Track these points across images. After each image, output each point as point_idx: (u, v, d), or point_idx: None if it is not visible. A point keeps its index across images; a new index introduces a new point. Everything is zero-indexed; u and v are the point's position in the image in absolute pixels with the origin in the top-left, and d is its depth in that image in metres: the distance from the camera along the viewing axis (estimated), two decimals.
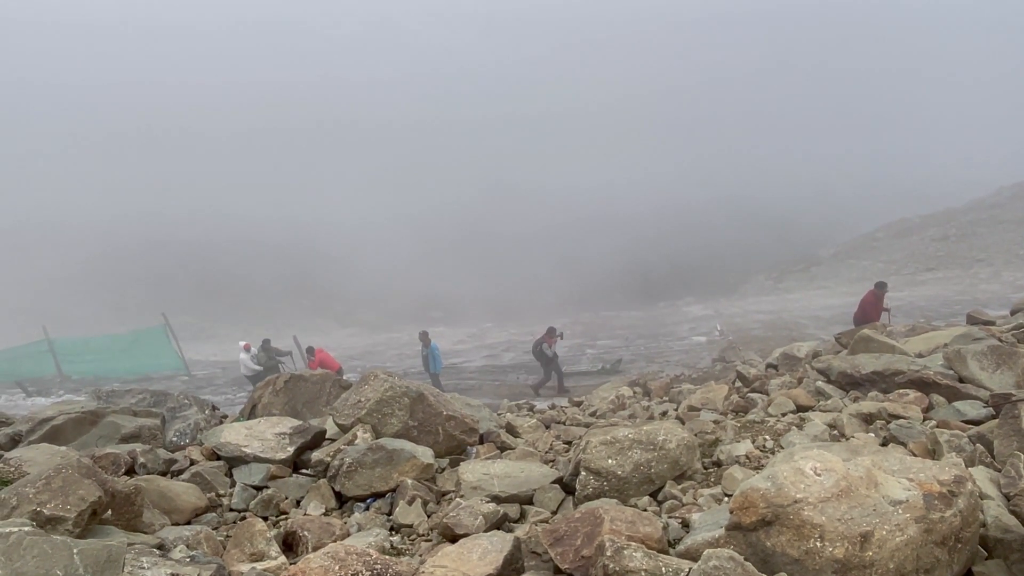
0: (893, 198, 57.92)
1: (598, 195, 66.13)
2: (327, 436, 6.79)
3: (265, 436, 6.38)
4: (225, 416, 10.91)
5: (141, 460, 6.33)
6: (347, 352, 26.33)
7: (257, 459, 6.12)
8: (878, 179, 66.92)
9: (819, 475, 2.95)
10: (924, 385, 5.48)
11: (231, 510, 5.59)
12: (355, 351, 26.76)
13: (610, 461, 4.60)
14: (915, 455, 4.41)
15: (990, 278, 30.81)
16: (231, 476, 6.13)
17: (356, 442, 6.01)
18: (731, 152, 78.13)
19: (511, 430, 7.18)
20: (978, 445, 4.20)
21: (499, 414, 9.44)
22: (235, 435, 6.40)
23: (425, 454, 5.78)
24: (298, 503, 5.66)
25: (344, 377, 11.78)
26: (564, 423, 7.67)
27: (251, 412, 10.46)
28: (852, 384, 6.07)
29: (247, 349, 18.26)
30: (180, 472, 6.22)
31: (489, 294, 47.39)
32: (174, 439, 9.27)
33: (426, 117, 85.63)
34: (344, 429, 6.34)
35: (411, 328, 31.92)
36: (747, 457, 4.85)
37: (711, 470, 4.83)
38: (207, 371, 23.76)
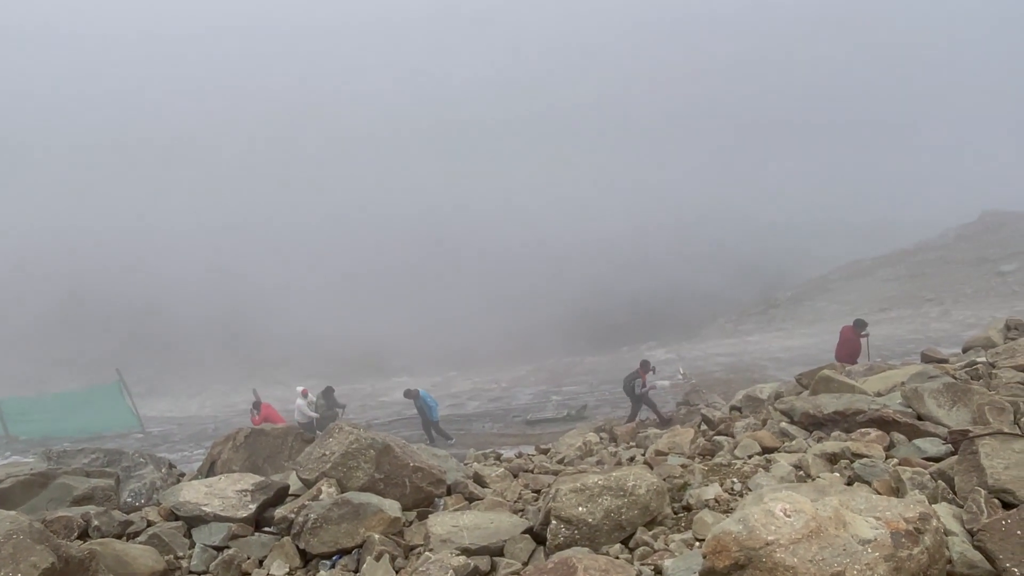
0: (846, 241, 59.53)
1: (549, 242, 66.42)
2: (291, 492, 6.64)
3: (226, 493, 6.20)
4: (183, 474, 10.61)
5: (95, 523, 6.10)
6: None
7: (217, 518, 5.94)
8: (832, 222, 68.85)
9: (789, 516, 2.98)
10: (884, 424, 5.58)
11: (191, 572, 5.40)
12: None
13: (580, 509, 4.57)
14: (880, 493, 4.48)
15: (940, 317, 31.69)
16: (190, 537, 5.94)
17: (321, 497, 5.88)
18: (689, 195, 79.73)
19: (479, 480, 7.09)
20: (939, 482, 4.28)
21: (465, 464, 9.32)
22: (194, 493, 6.21)
23: (392, 507, 5.68)
24: (261, 563, 5.49)
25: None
26: (532, 471, 7.60)
27: (210, 469, 10.19)
28: (815, 424, 6.15)
29: (304, 395, 17.78)
30: (136, 534, 6.01)
31: (448, 341, 47.09)
32: (129, 499, 8.96)
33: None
34: (308, 484, 6.20)
35: (372, 379, 31.58)
36: (716, 500, 4.86)
37: (681, 515, 4.83)
38: (163, 428, 23.07)
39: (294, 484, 6.82)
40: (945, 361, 10.78)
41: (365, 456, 6.19)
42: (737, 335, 40.42)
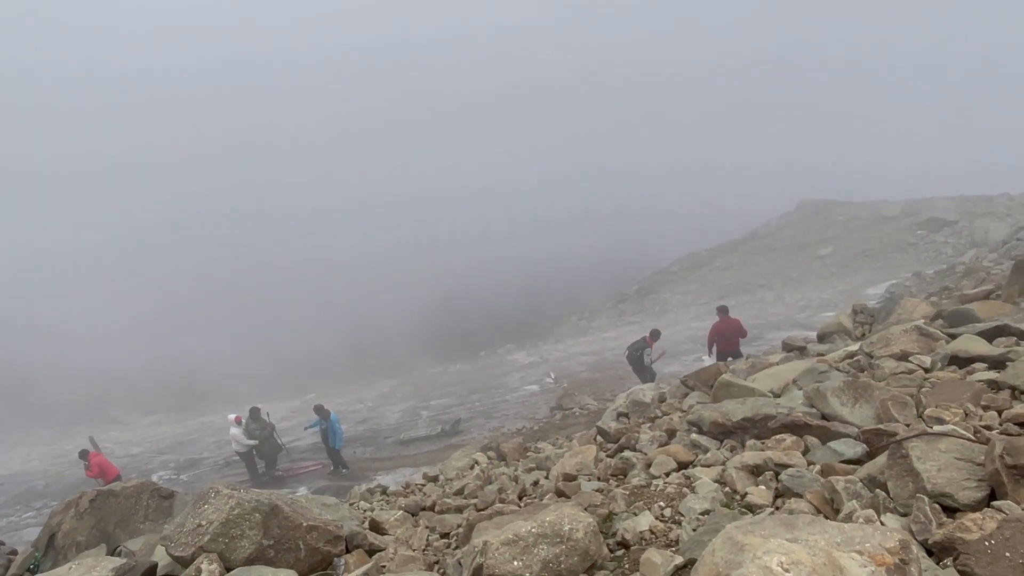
0: (683, 233, 62.92)
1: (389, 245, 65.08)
2: (160, 570, 5.71)
3: None
4: (14, 552, 9.15)
5: None
6: (155, 445, 23.63)
7: None
8: (668, 215, 72.61)
9: (788, 571, 2.69)
10: (796, 428, 5.57)
11: None
12: (164, 443, 24.04)
13: (516, 563, 4.12)
14: (817, 509, 4.37)
15: (775, 301, 34.05)
16: None
17: None
18: (525, 193, 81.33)
19: (376, 527, 6.47)
20: (878, 491, 4.22)
21: (351, 504, 8.61)
22: None
23: None
24: None
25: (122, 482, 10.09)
26: (432, 508, 7.07)
27: (49, 543, 8.82)
28: (725, 433, 6.07)
29: (238, 422, 15.99)
30: None
31: (295, 362, 44.98)
32: None
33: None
34: (184, 562, 5.31)
35: (225, 409, 29.40)
36: (652, 532, 4.59)
37: (619, 552, 4.50)
38: None
39: (160, 558, 5.89)
40: (804, 349, 11.35)
41: (250, 521, 5.39)
42: (592, 332, 41.53)
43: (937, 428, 4.45)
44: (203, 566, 5.15)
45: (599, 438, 8.25)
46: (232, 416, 16.66)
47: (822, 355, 8.55)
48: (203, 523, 5.42)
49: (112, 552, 7.73)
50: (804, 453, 5.30)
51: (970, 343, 6.64)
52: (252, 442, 15.95)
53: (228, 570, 5.15)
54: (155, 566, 5.63)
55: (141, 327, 47.38)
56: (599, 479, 6.20)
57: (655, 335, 16.04)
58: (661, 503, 5.03)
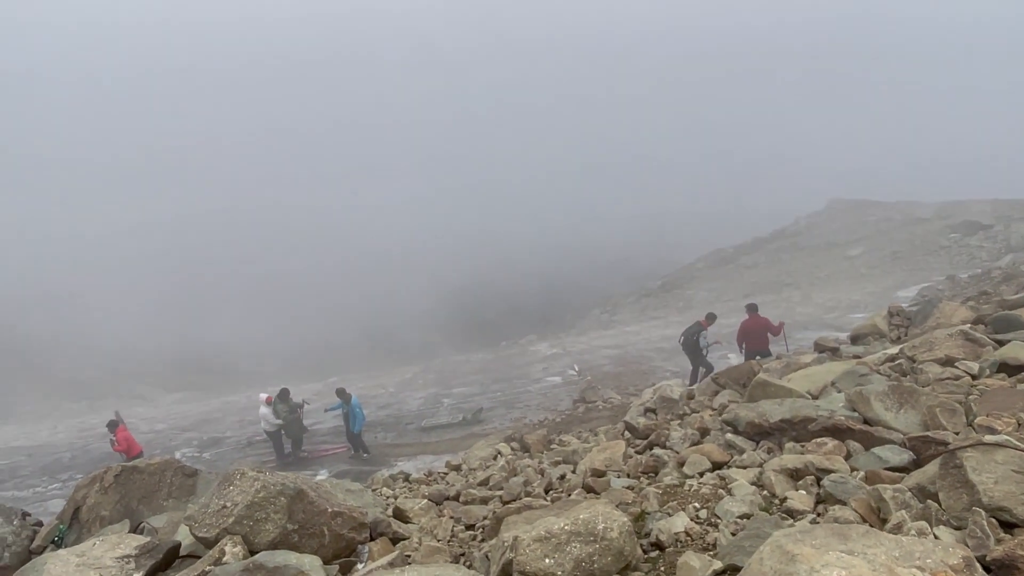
0: (708, 230, 62.28)
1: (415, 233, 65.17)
2: (182, 549, 5.66)
3: (103, 563, 5.16)
4: (39, 524, 9.20)
5: None
6: (179, 423, 23.84)
7: None
8: (694, 213, 71.94)
9: None
10: (838, 432, 5.37)
11: None
12: (188, 420, 24.24)
13: (547, 561, 4.00)
14: (863, 518, 4.19)
15: (803, 301, 33.52)
16: None
17: (225, 559, 4.97)
18: (553, 188, 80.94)
19: (400, 515, 6.38)
20: (929, 502, 4.03)
21: (373, 490, 8.54)
22: (63, 567, 5.12)
23: (313, 565, 4.85)
24: None
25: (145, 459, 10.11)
26: (457, 499, 6.96)
27: (74, 516, 8.87)
28: (761, 434, 5.88)
29: (269, 402, 16.18)
30: None
31: (316, 345, 45.22)
32: None
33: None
34: (208, 543, 5.25)
35: (251, 390, 29.64)
36: (687, 535, 4.43)
37: (653, 553, 4.36)
38: (9, 460, 20.49)
39: (184, 538, 5.86)
40: (836, 350, 11.09)
41: (275, 505, 5.32)
42: (614, 325, 41.23)
43: (991, 438, 4.24)
44: (227, 548, 5.09)
45: (627, 433, 8.09)
46: (264, 396, 16.76)
47: (859, 357, 8.31)
48: (228, 505, 5.35)
49: (135, 528, 7.74)
50: (846, 458, 5.11)
51: (1020, 350, 6.39)
52: (279, 422, 16.04)
53: (252, 553, 5.08)
54: (178, 545, 5.59)
55: (166, 306, 47.92)
56: (629, 476, 6.05)
57: (711, 318, 15.24)
58: (696, 504, 4.88)
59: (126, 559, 5.23)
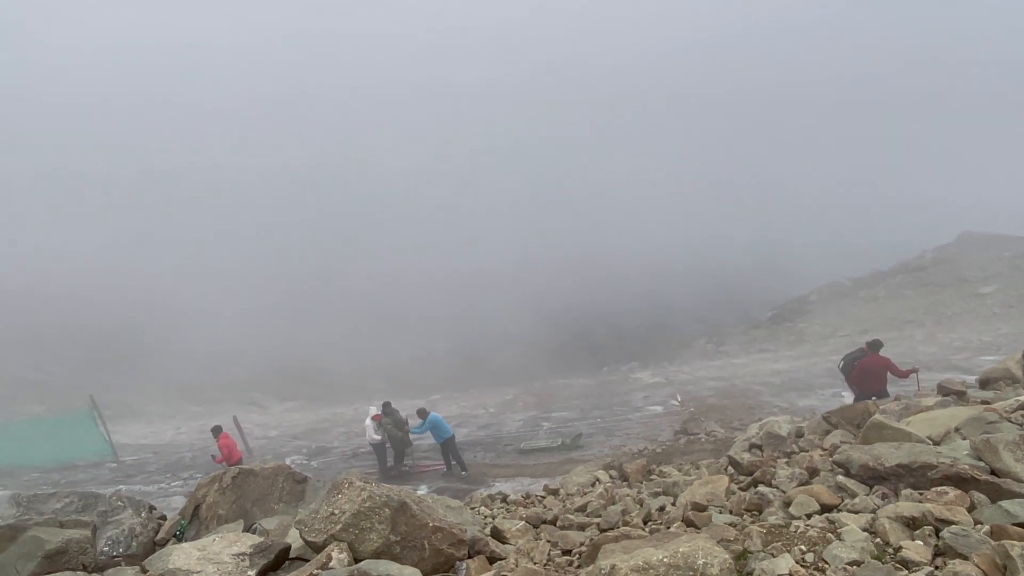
0: (823, 262, 59.72)
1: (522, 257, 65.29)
2: (291, 550, 5.95)
3: (221, 559, 5.50)
4: (163, 517, 9.83)
5: None
6: (289, 431, 24.97)
7: None
8: (810, 243, 69.17)
9: None
10: (960, 481, 5.06)
11: None
12: (298, 429, 25.36)
13: None
14: (982, 571, 3.94)
15: (927, 340, 31.58)
16: None
17: (331, 564, 5.20)
18: (666, 213, 79.75)
19: (497, 535, 6.46)
20: None
21: (472, 508, 8.68)
22: (185, 559, 5.50)
23: None
24: None
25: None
26: (554, 523, 6.98)
27: (194, 513, 9.45)
28: (875, 478, 5.61)
29: (377, 420, 16.91)
30: None
31: (417, 360, 46.11)
32: (106, 548, 8.28)
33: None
34: (315, 548, 5.51)
35: (357, 402, 30.71)
36: None
37: None
38: (137, 456, 22.04)
39: (293, 540, 6.15)
40: (963, 394, 10.39)
41: (379, 515, 5.52)
42: (720, 357, 40.14)
43: None
44: (334, 554, 5.32)
45: (730, 468, 7.88)
46: (373, 410, 17.21)
47: (987, 403, 7.78)
48: (336, 512, 5.60)
49: (248, 528, 8.16)
50: (970, 510, 4.81)
51: None
52: (378, 437, 16.51)
53: (356, 560, 5.28)
54: (289, 547, 5.87)
55: (273, 315, 50.13)
56: (731, 512, 5.90)
57: (875, 346, 13.97)
58: (802, 546, 4.70)
59: (241, 556, 5.56)
